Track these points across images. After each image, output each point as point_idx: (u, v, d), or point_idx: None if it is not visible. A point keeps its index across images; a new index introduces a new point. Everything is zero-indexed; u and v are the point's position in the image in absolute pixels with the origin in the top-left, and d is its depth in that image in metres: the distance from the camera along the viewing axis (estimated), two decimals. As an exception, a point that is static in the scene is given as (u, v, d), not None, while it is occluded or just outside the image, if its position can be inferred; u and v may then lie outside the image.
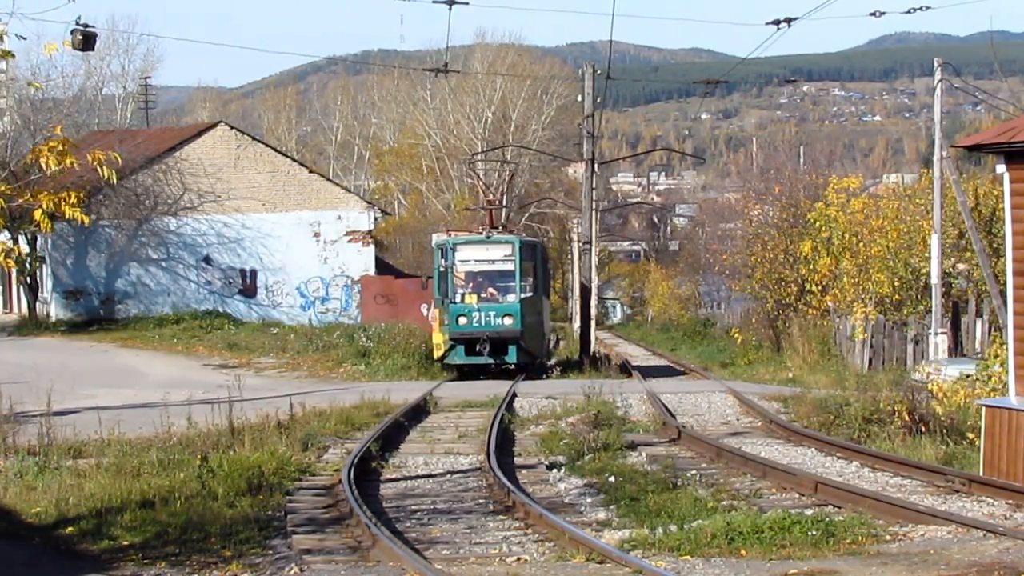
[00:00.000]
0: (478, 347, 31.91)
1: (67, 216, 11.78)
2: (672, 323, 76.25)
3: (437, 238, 36.33)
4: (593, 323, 40.62)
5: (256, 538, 12.88)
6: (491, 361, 32.37)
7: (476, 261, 32.96)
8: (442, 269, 32.86)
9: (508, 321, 31.98)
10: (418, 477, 17.13)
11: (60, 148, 11.52)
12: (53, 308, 49.51)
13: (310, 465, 17.57)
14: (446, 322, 32.25)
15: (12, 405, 19.27)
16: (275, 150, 56.97)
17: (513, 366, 32.54)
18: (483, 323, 31.85)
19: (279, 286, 51.89)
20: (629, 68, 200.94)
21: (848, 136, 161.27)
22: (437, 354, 33.47)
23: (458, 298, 32.26)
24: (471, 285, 32.71)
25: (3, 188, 12.01)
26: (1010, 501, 14.87)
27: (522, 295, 32.53)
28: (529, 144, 68.95)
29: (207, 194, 51.00)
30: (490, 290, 32.66)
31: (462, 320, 31.88)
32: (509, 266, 32.70)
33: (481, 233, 34.34)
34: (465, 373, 32.87)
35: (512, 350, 32.27)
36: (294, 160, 58.02)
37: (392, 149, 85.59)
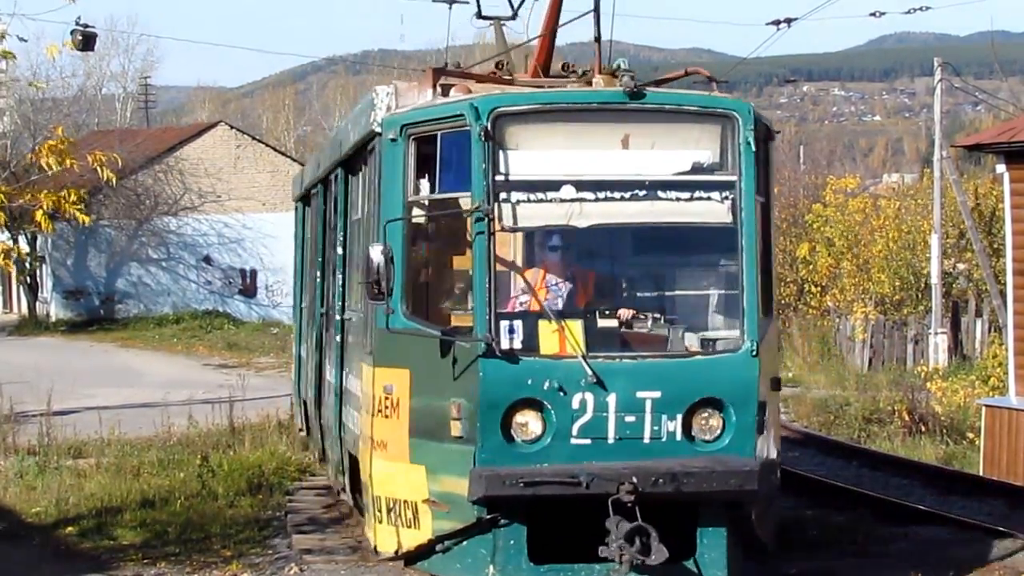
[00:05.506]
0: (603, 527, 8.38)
1: (67, 213, 11.78)
2: (672, 323, 76.28)
3: (382, 102, 9.59)
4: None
5: (256, 538, 12.87)
6: None
7: (587, 184, 9.12)
8: (423, 223, 9.59)
9: (716, 424, 8.98)
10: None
11: (60, 147, 11.52)
12: (53, 308, 49.54)
13: (311, 465, 17.56)
14: (462, 426, 8.79)
15: (12, 405, 19.30)
16: (275, 150, 57.05)
17: None
18: (618, 433, 8.58)
19: (279, 286, 51.88)
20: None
21: (848, 136, 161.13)
22: (381, 542, 9.93)
23: (508, 333, 8.67)
24: (561, 285, 9.50)
25: (4, 189, 12.02)
26: (1010, 501, 14.89)
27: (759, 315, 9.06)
28: (529, 144, 68.91)
29: (207, 194, 51.06)
30: (624, 307, 9.39)
31: (525, 422, 8.70)
32: (721, 216, 9.10)
33: (588, 74, 10.29)
34: None
35: (716, 540, 8.89)
36: (294, 160, 58.02)
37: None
